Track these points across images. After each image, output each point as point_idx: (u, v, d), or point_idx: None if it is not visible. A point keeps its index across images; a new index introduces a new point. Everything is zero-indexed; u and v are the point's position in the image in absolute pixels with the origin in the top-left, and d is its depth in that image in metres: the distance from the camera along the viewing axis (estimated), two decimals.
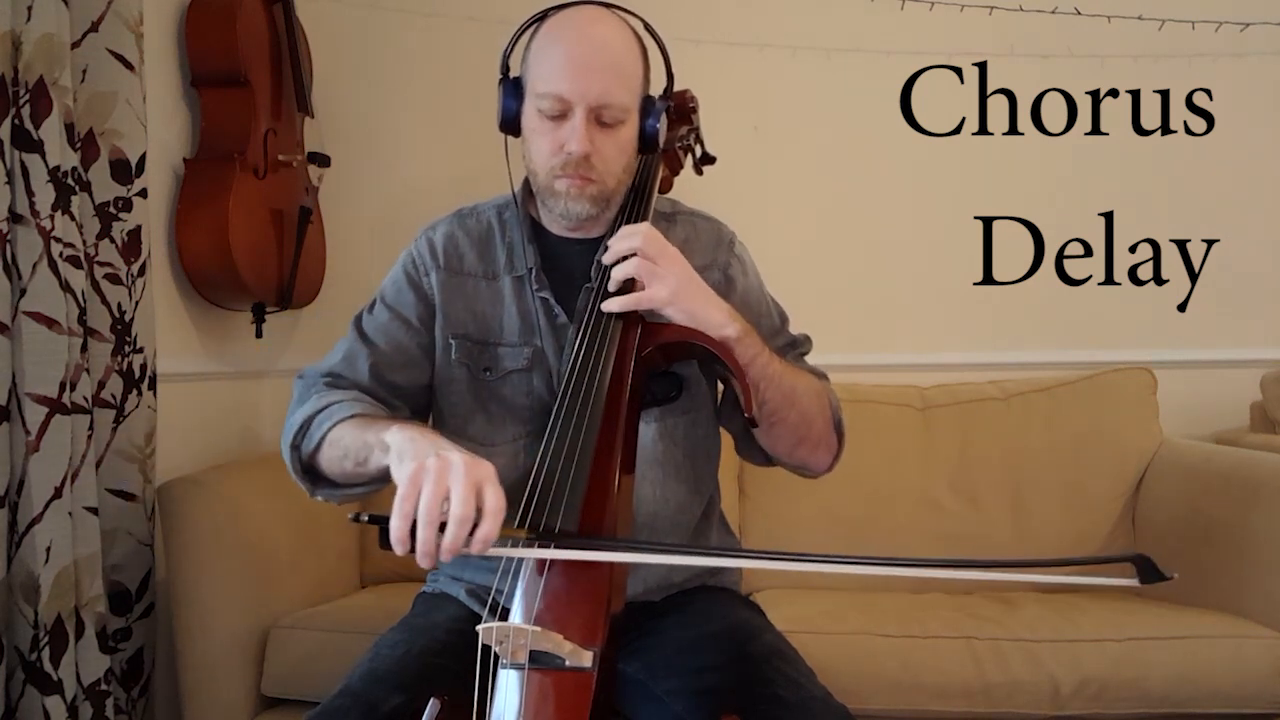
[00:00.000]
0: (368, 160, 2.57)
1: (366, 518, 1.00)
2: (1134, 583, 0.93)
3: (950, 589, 2.12)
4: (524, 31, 1.33)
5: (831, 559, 1.03)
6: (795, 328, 1.46)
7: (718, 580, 1.44)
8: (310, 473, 1.29)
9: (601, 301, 1.23)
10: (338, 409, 1.24)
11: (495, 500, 0.99)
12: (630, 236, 1.22)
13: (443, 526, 0.97)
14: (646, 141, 1.33)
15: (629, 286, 1.23)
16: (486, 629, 0.96)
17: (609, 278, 1.24)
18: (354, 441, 1.19)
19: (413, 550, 0.98)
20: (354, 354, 1.36)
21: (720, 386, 1.42)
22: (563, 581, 1.03)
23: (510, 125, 1.33)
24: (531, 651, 0.96)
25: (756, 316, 1.39)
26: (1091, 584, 0.99)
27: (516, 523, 1.07)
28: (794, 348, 1.43)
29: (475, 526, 0.98)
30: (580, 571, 1.03)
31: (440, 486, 0.98)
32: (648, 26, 1.35)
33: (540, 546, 1.04)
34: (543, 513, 1.06)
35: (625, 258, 1.22)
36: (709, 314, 1.20)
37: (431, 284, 1.38)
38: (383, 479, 1.17)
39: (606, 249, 1.26)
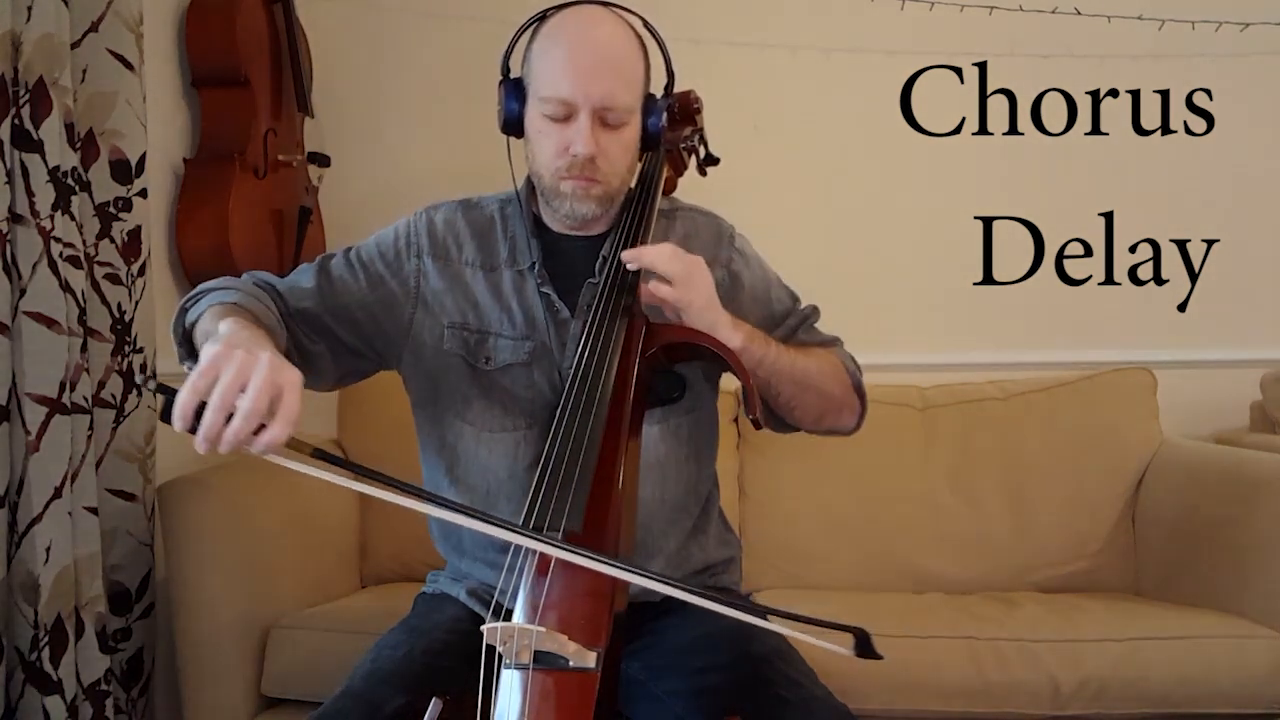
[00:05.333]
0: (368, 160, 2.56)
1: (155, 385, 0.98)
2: (848, 653, 1.00)
3: (950, 589, 2.12)
4: (523, 32, 1.32)
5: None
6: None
7: (718, 580, 1.44)
8: (188, 343, 1.24)
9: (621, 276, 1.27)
10: (230, 294, 1.22)
11: (290, 408, 0.95)
12: (673, 260, 1.22)
13: (232, 420, 0.94)
14: (649, 140, 1.34)
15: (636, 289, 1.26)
16: (491, 629, 0.96)
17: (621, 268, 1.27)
18: (213, 325, 1.14)
19: (193, 430, 0.94)
20: (297, 286, 1.34)
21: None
22: (566, 581, 1.02)
23: (513, 127, 1.33)
24: (535, 652, 0.96)
25: (768, 304, 1.42)
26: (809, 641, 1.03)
27: (521, 521, 1.06)
28: (806, 321, 1.46)
29: (263, 429, 0.95)
30: (584, 571, 1.03)
31: (239, 376, 0.94)
32: (647, 25, 1.35)
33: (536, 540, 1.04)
34: (547, 511, 1.06)
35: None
36: (720, 329, 1.24)
37: (419, 268, 1.38)
38: None
39: (614, 246, 1.30)
